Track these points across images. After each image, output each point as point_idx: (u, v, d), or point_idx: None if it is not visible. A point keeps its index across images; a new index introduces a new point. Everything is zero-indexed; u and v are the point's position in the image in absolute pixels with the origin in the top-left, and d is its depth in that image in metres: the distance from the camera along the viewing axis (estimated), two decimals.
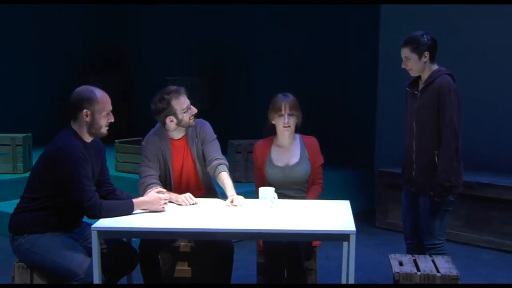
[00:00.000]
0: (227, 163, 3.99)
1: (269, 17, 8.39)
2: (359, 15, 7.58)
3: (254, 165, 4.16)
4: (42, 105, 9.26)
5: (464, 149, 3.92)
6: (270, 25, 8.41)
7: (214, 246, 3.82)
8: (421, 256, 3.73)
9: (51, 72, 9.48)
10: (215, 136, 4.05)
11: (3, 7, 8.77)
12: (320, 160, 4.11)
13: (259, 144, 4.13)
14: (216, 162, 3.93)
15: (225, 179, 3.88)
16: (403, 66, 3.89)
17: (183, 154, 3.97)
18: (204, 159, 3.99)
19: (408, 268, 3.50)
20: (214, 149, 3.98)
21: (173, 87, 3.89)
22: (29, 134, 7.00)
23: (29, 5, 8.96)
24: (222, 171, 3.91)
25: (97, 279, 3.25)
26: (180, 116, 3.85)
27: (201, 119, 4.05)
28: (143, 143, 4.02)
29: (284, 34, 8.28)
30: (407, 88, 4.02)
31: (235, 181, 4.82)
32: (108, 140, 3.67)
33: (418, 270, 3.47)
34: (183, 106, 3.85)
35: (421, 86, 3.89)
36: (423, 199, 3.91)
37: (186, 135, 3.97)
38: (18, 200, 3.61)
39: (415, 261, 3.63)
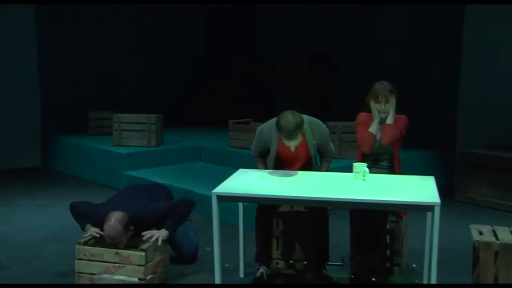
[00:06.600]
0: (333, 155, 4.28)
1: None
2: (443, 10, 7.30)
3: (360, 130, 4.02)
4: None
5: None
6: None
7: (311, 212, 4.01)
8: (500, 227, 3.60)
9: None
10: (328, 133, 4.19)
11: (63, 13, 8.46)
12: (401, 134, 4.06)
13: (365, 113, 4.09)
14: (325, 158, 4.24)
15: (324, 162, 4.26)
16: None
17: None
18: (315, 148, 4.14)
19: (487, 237, 3.40)
20: (327, 146, 4.16)
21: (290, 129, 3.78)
22: (160, 115, 7.46)
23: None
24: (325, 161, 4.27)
25: (217, 244, 3.59)
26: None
27: (317, 120, 4.11)
28: (259, 127, 4.20)
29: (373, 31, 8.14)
30: None
31: None
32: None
33: (497, 239, 3.36)
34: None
35: None
36: None
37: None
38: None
39: (494, 231, 3.51)
